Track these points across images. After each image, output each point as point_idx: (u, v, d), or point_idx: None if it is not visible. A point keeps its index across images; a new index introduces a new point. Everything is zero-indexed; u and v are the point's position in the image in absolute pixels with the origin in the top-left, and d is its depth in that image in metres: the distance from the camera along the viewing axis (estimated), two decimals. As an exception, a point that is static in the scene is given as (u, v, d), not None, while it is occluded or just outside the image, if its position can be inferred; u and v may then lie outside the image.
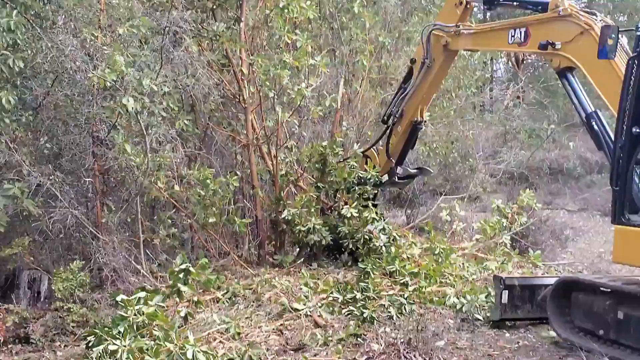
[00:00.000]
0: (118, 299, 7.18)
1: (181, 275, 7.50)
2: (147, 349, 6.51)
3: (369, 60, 12.61)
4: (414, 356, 6.92)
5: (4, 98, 7.80)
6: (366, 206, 10.26)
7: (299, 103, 10.75)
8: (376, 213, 10.29)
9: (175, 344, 6.57)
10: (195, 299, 8.26)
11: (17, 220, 8.87)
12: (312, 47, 11.11)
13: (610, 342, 6.85)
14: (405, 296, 8.74)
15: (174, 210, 10.49)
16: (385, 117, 10.88)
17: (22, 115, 8.79)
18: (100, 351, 6.48)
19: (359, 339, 7.65)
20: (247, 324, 8.14)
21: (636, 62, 6.57)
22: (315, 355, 7.19)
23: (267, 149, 11.04)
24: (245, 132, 10.82)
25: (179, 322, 7.52)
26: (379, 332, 7.82)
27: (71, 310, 8.24)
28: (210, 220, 10.00)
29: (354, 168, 10.82)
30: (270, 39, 10.82)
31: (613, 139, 6.95)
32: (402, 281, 9.15)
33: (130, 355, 6.39)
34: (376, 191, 10.91)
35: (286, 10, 10.07)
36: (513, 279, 8.20)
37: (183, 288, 7.53)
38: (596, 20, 7.37)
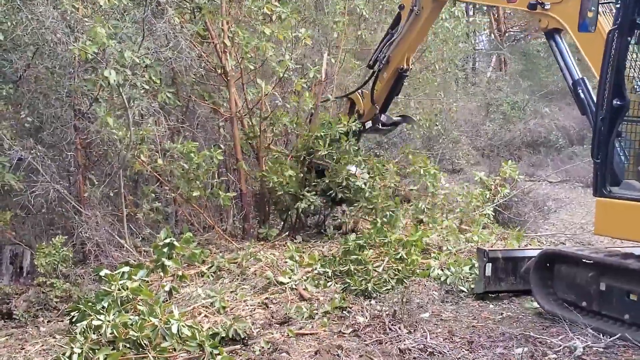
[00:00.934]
0: (102, 273, 7.16)
1: (165, 250, 7.47)
2: (132, 324, 6.49)
3: (345, 32, 12.51)
4: (399, 328, 6.96)
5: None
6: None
7: (281, 75, 10.67)
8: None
9: (160, 319, 6.56)
10: (180, 273, 8.24)
11: (-3, 195, 8.78)
12: (295, 20, 11.01)
13: (593, 313, 6.92)
14: (399, 269, 8.74)
15: (157, 184, 10.44)
16: (371, 62, 10.82)
17: (2, 89, 8.66)
18: (84, 326, 6.46)
19: (344, 311, 7.67)
20: (232, 298, 8.14)
21: (616, 34, 6.56)
22: (300, 329, 7.20)
23: (249, 121, 10.97)
24: (228, 105, 10.74)
25: (164, 297, 7.52)
26: (364, 304, 7.85)
27: (54, 285, 8.19)
28: (194, 194, 9.97)
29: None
30: (251, 11, 10.68)
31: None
32: (395, 254, 9.13)
33: (114, 330, 6.37)
34: (357, 138, 10.93)
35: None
36: (496, 252, 8.24)
37: (167, 262, 7.50)
38: None
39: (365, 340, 6.74)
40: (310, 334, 7.06)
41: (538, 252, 7.69)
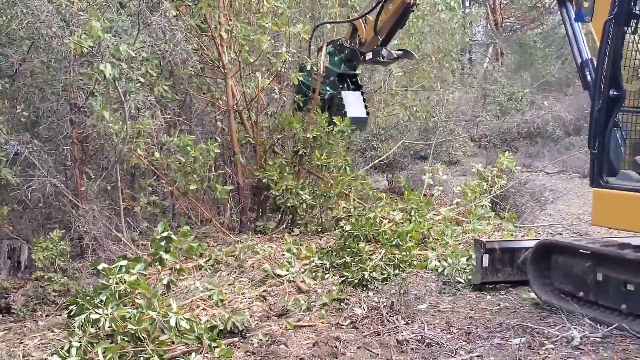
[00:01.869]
0: (99, 267, 7.16)
1: (163, 243, 7.47)
2: (130, 317, 6.49)
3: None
4: (397, 319, 6.98)
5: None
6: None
7: (279, 68, 10.66)
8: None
9: (158, 312, 6.56)
10: (178, 266, 8.24)
11: (-6, 189, 8.78)
12: (293, 13, 11.01)
13: (590, 303, 6.94)
14: (396, 259, 8.76)
15: (154, 177, 10.42)
16: None
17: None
18: (83, 320, 6.46)
19: (342, 303, 7.69)
20: (230, 290, 8.16)
21: (612, 24, 6.56)
22: (298, 321, 7.22)
23: (247, 115, 10.97)
24: (225, 98, 10.73)
25: (162, 290, 7.51)
26: (361, 296, 7.86)
27: (52, 279, 8.20)
28: (191, 187, 9.96)
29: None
30: (250, 4, 10.66)
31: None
32: (391, 243, 9.14)
33: (112, 323, 6.38)
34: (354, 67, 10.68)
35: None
36: (493, 243, 8.25)
37: (165, 256, 7.50)
38: None
39: (363, 332, 6.76)
40: (308, 325, 7.08)
41: (535, 243, 7.71)
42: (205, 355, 6.29)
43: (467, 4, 27.74)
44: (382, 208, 10.19)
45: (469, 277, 8.42)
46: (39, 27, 8.32)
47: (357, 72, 10.83)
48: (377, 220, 9.58)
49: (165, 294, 7.51)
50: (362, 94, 10.81)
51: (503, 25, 30.80)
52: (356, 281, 8.29)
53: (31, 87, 9.18)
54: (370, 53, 10.37)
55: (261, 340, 6.63)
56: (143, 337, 6.33)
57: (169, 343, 6.41)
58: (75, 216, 8.97)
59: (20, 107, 9.31)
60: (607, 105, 6.67)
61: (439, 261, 8.93)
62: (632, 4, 6.53)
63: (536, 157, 21.45)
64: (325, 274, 8.69)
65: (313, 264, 8.93)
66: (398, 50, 11.11)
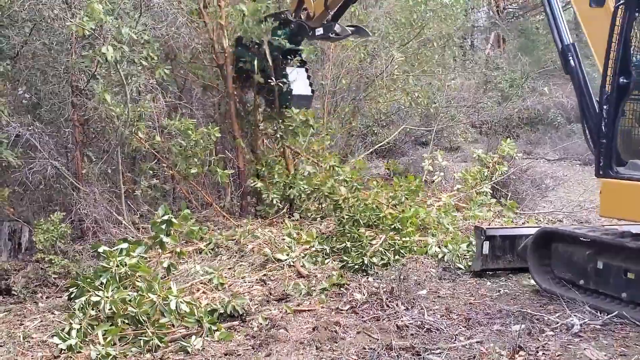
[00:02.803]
0: (100, 250, 7.18)
1: (163, 226, 7.47)
2: (130, 300, 6.53)
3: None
4: (397, 305, 6.98)
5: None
6: None
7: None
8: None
9: (159, 295, 6.60)
10: (178, 250, 8.24)
11: (-5, 171, 8.78)
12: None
13: (591, 291, 6.94)
14: (397, 245, 8.77)
15: (155, 161, 10.41)
16: None
17: (-1, 65, 8.61)
18: (83, 302, 6.50)
19: (342, 288, 7.70)
20: (231, 274, 8.18)
21: (624, 8, 6.48)
22: (298, 305, 7.23)
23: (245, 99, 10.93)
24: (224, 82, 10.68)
25: (162, 273, 7.53)
26: (361, 281, 7.87)
27: (52, 261, 8.22)
28: (192, 171, 9.95)
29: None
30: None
31: (599, 87, 6.83)
32: (390, 226, 9.15)
33: (113, 306, 6.41)
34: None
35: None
36: (494, 230, 8.26)
37: (165, 239, 7.51)
38: None
39: (362, 317, 6.77)
40: (308, 310, 7.09)
41: (535, 230, 7.70)
42: (205, 338, 6.31)
43: (469, -11, 27.54)
44: (375, 195, 10.07)
45: (469, 263, 8.43)
46: (41, 9, 8.27)
47: (300, 47, 10.29)
48: (376, 205, 9.55)
49: (165, 277, 7.52)
50: (307, 70, 10.32)
51: (505, 11, 30.64)
52: (356, 266, 8.30)
53: (33, 69, 9.15)
54: (321, 28, 9.64)
55: (261, 324, 6.65)
56: (143, 320, 6.37)
57: (169, 326, 6.45)
58: (76, 199, 8.98)
59: (21, 89, 9.28)
60: (616, 93, 6.59)
61: (439, 247, 8.93)
62: None
63: (537, 144, 21.42)
64: (326, 259, 8.70)
65: (313, 248, 8.92)
66: (349, 26, 10.33)
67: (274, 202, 10.38)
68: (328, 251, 8.84)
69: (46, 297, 7.95)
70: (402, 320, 6.55)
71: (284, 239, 9.24)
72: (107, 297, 6.44)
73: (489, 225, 9.56)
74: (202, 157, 10.15)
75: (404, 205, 10.04)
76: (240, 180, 10.90)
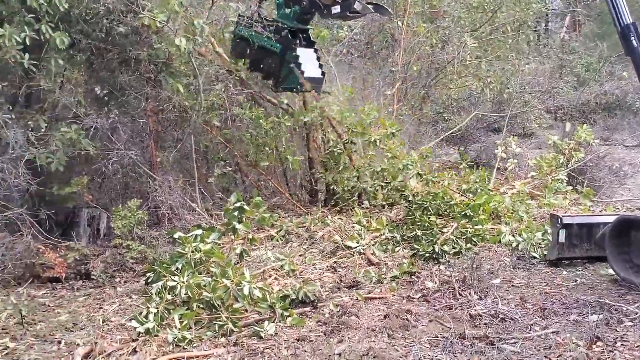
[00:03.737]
0: (175, 236, 7.35)
1: (236, 213, 7.58)
2: (205, 285, 6.66)
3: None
4: (469, 294, 6.92)
5: (58, 39, 7.83)
6: None
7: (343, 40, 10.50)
8: None
9: (232, 280, 6.70)
10: (250, 236, 8.34)
11: (75, 160, 9.02)
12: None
13: (672, 281, 6.74)
14: (468, 233, 8.68)
15: (227, 150, 10.51)
16: None
17: (75, 56, 8.81)
18: (160, 287, 6.67)
19: (412, 276, 7.67)
20: (301, 261, 8.24)
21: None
22: (369, 293, 7.24)
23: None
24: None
25: (235, 259, 7.64)
26: (433, 270, 7.82)
27: (130, 247, 8.43)
28: (263, 163, 10.01)
29: None
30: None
31: None
32: (460, 213, 9.06)
33: (188, 290, 6.55)
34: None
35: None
36: (570, 218, 8.07)
37: (238, 226, 7.61)
38: None
39: (434, 305, 6.73)
40: (379, 298, 7.10)
41: (614, 218, 7.50)
42: (278, 323, 6.38)
43: (543, -29, 26.85)
44: (445, 187, 9.97)
45: (545, 252, 8.26)
46: (115, 3, 8.38)
47: (309, 27, 9.72)
48: (447, 194, 9.46)
49: (238, 263, 7.63)
50: (316, 51, 9.80)
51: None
52: (427, 254, 8.24)
53: (108, 60, 9.33)
54: (338, 6, 8.62)
55: (332, 310, 6.68)
56: (217, 304, 6.49)
57: (243, 311, 6.55)
58: (151, 186, 9.16)
59: (98, 81, 9.50)
60: None
61: (513, 236, 8.79)
62: None
63: (615, 129, 20.77)
64: (396, 246, 8.66)
65: (383, 236, 8.90)
66: (369, 3, 9.88)
67: (342, 194, 10.36)
68: (398, 239, 8.80)
69: (124, 282, 8.16)
70: (475, 309, 6.49)
71: (353, 227, 9.23)
72: (183, 282, 6.58)
73: (565, 213, 9.34)
74: (273, 145, 10.21)
75: (477, 193, 9.92)
76: (311, 168, 10.92)
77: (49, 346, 6.17)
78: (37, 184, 8.03)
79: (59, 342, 6.22)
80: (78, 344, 6.07)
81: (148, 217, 8.94)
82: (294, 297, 6.95)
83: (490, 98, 16.74)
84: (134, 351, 5.91)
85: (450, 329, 6.06)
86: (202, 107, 9.00)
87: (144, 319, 6.23)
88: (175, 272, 6.82)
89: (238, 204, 7.61)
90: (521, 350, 5.56)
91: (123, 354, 5.86)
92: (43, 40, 7.52)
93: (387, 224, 9.24)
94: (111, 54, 8.89)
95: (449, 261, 8.15)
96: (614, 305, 6.43)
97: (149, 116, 9.52)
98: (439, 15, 14.55)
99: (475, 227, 8.85)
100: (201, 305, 6.54)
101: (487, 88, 15.46)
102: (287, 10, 8.57)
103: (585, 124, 12.79)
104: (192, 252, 7.01)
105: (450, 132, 15.44)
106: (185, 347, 5.98)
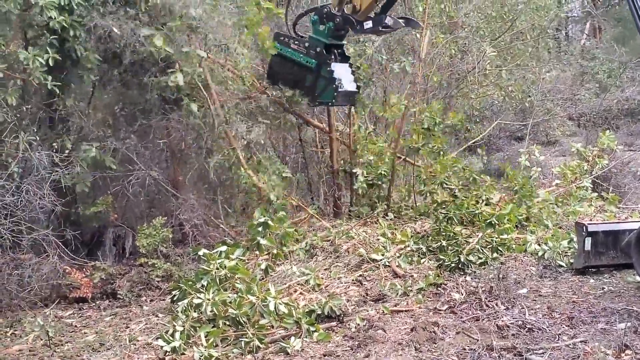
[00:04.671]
0: (200, 253, 7.39)
1: (260, 229, 7.61)
2: (230, 302, 6.68)
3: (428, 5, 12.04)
4: (496, 304, 6.87)
5: (91, 56, 7.97)
6: None
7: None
8: None
9: (257, 297, 6.71)
10: (275, 251, 8.35)
11: (100, 181, 9.11)
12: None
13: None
14: (494, 242, 8.64)
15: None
16: None
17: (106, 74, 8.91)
18: (185, 305, 6.70)
19: (439, 288, 7.63)
20: (327, 275, 8.23)
21: None
22: (395, 305, 7.22)
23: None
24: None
25: (260, 275, 7.66)
26: (459, 281, 7.78)
27: (155, 265, 8.48)
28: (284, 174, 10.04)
29: None
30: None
31: None
32: (485, 222, 9.05)
33: (214, 308, 6.58)
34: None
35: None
36: (596, 226, 8.00)
37: (262, 241, 7.64)
38: None
39: (461, 317, 6.69)
40: (406, 310, 7.07)
41: (639, 225, 7.41)
42: (304, 339, 6.38)
43: (562, -21, 26.75)
44: (487, 189, 10.00)
45: (571, 260, 8.19)
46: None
47: (343, 42, 9.96)
48: (474, 202, 9.43)
49: (263, 278, 7.65)
50: (351, 66, 9.96)
51: (600, -1, 29.66)
52: (452, 265, 8.21)
53: (127, 84, 9.41)
54: (370, 22, 8.93)
55: (358, 324, 6.67)
56: (243, 321, 6.50)
57: (269, 327, 6.56)
58: (175, 204, 9.21)
59: (118, 105, 9.59)
60: None
61: (539, 245, 8.73)
62: None
63: (639, 135, 20.59)
64: (421, 258, 8.63)
65: (408, 248, 8.88)
66: (400, 18, 10.06)
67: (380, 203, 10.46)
68: (424, 250, 8.78)
69: (150, 300, 8.21)
70: (502, 320, 6.44)
71: (378, 239, 9.22)
72: (209, 299, 6.61)
73: (591, 220, 9.26)
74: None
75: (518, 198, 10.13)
76: (334, 181, 10.93)
77: (77, 367, 6.23)
78: (62, 204, 8.10)
79: (87, 363, 6.27)
80: (106, 364, 6.13)
81: (173, 235, 8.99)
82: (319, 312, 6.95)
83: (512, 107, 16.67)
84: (162, 369, 5.95)
85: (478, 340, 6.02)
86: (214, 128, 9.02)
87: (171, 338, 6.26)
88: (201, 290, 6.86)
89: (262, 219, 7.64)
90: (550, 361, 5.52)
91: (150, 372, 5.90)
92: (72, 60, 7.63)
93: (412, 236, 9.22)
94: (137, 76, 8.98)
95: (475, 272, 8.11)
96: (643, 313, 6.37)
97: (169, 136, 9.58)
98: (457, 27, 14.51)
99: (501, 236, 8.81)
100: (227, 322, 6.56)
101: (509, 97, 15.38)
102: (322, 27, 8.81)
103: (608, 130, 12.68)
104: (217, 268, 7.05)
105: (473, 141, 15.38)
106: (212, 364, 6.00)
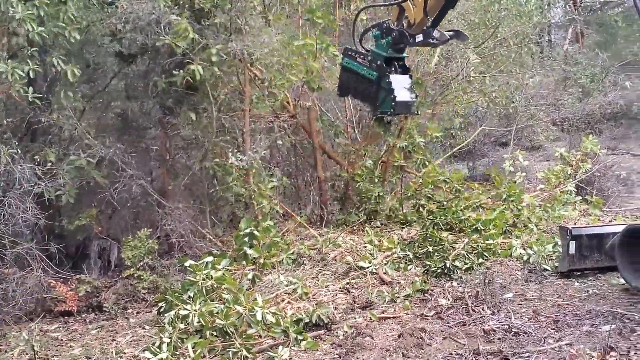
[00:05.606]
0: (186, 264, 7.37)
1: (246, 239, 7.61)
2: (217, 312, 6.66)
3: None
4: (482, 309, 6.90)
5: (69, 71, 7.91)
6: None
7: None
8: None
9: (244, 307, 6.70)
10: (261, 261, 8.34)
11: (84, 192, 9.07)
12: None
13: (683, 288, 6.69)
14: (480, 248, 8.68)
15: (237, 175, 10.52)
16: None
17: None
18: (172, 316, 6.67)
19: (426, 294, 7.65)
20: (314, 284, 8.24)
21: None
22: (383, 312, 7.23)
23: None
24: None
25: (247, 285, 7.65)
26: (445, 286, 7.80)
27: (141, 277, 8.45)
28: (270, 185, 10.05)
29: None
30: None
31: None
32: (471, 228, 9.09)
33: (201, 319, 6.55)
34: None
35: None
36: (579, 229, 8.05)
37: (249, 251, 7.64)
38: None
39: (448, 322, 6.71)
40: (393, 317, 7.09)
41: (623, 228, 7.47)
42: (292, 348, 6.37)
43: (544, -15, 26.91)
44: (477, 196, 10.08)
45: (556, 264, 8.24)
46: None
47: (403, 55, 10.49)
48: (460, 209, 9.48)
49: (250, 288, 7.64)
50: (410, 77, 10.48)
51: (582, 4, 29.86)
52: (439, 271, 8.23)
53: (122, 91, 9.42)
54: (420, 35, 9.03)
55: (346, 332, 6.67)
56: (231, 331, 6.49)
57: (256, 337, 6.55)
58: (161, 215, 9.19)
59: (110, 111, 9.58)
60: None
61: (524, 249, 8.77)
62: None
63: (621, 139, 20.73)
64: (408, 265, 8.66)
65: (395, 255, 8.90)
66: (448, 31, 10.58)
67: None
68: (411, 257, 8.80)
69: (136, 313, 8.18)
70: (488, 325, 6.47)
71: (365, 247, 9.24)
72: (195, 310, 6.59)
73: (575, 224, 9.31)
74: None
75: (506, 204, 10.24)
76: (320, 190, 10.95)
77: (64, 380, 6.20)
78: (46, 217, 8.07)
79: (73, 376, 6.24)
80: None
81: (159, 246, 8.98)
82: (307, 320, 6.95)
83: (497, 113, 16.74)
84: (149, 381, 5.92)
85: (465, 345, 6.04)
86: (213, 135, 9.03)
87: (158, 350, 6.23)
88: (188, 301, 6.84)
89: (248, 230, 7.64)
90: (536, 364, 5.55)
91: (138, 385, 5.87)
92: (54, 72, 7.60)
93: (398, 242, 9.24)
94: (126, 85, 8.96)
95: (461, 277, 8.13)
96: (627, 315, 6.39)
97: (162, 143, 9.56)
98: (440, 34, 14.57)
99: (486, 241, 8.85)
100: (214, 333, 6.54)
101: (493, 103, 15.46)
102: (382, 41, 9.25)
103: (591, 135, 12.78)
104: (204, 279, 7.03)
105: (458, 148, 15.44)
106: (200, 375, 5.98)
